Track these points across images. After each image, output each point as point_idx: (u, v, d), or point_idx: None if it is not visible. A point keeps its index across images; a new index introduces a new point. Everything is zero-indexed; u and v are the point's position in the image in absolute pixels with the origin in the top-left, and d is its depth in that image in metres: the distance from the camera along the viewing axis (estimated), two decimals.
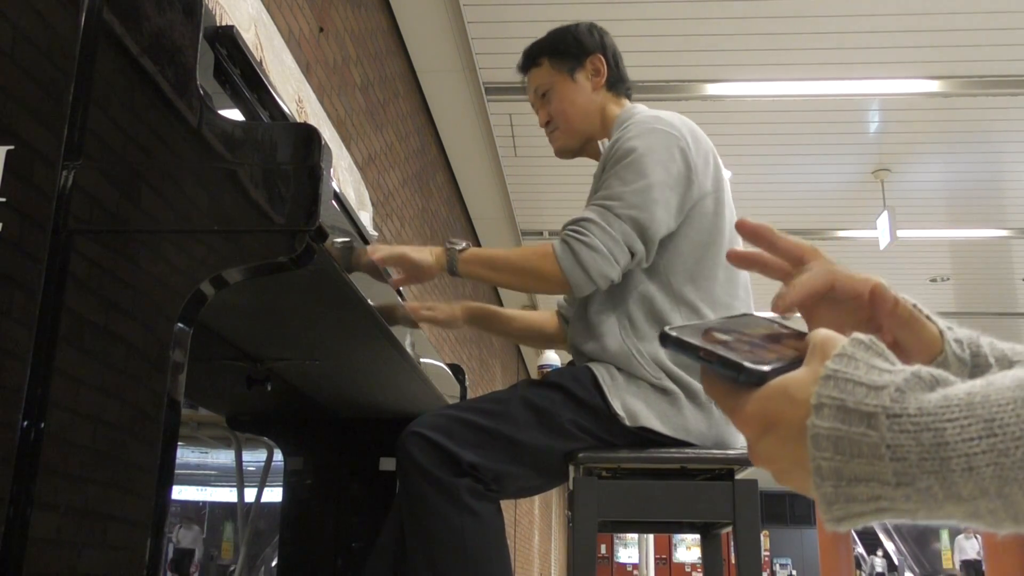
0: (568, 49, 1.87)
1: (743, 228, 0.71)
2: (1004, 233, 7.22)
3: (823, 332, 0.56)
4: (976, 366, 0.66)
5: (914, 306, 0.67)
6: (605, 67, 1.87)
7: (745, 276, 1.78)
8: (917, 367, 0.52)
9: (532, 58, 1.90)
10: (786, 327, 0.64)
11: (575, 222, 1.65)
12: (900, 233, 6.14)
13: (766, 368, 0.56)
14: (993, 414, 0.48)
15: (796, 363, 0.56)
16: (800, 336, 0.61)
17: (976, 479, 0.48)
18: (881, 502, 0.50)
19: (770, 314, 0.68)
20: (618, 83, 1.89)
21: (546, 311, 2.04)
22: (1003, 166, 6.14)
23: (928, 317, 0.67)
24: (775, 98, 5.31)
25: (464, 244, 1.69)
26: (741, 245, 1.81)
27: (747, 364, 0.56)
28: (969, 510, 0.49)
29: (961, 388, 0.50)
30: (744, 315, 0.66)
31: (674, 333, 0.59)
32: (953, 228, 7.20)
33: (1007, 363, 0.66)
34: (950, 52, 4.80)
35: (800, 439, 0.53)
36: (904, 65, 4.92)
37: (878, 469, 0.50)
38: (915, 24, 4.57)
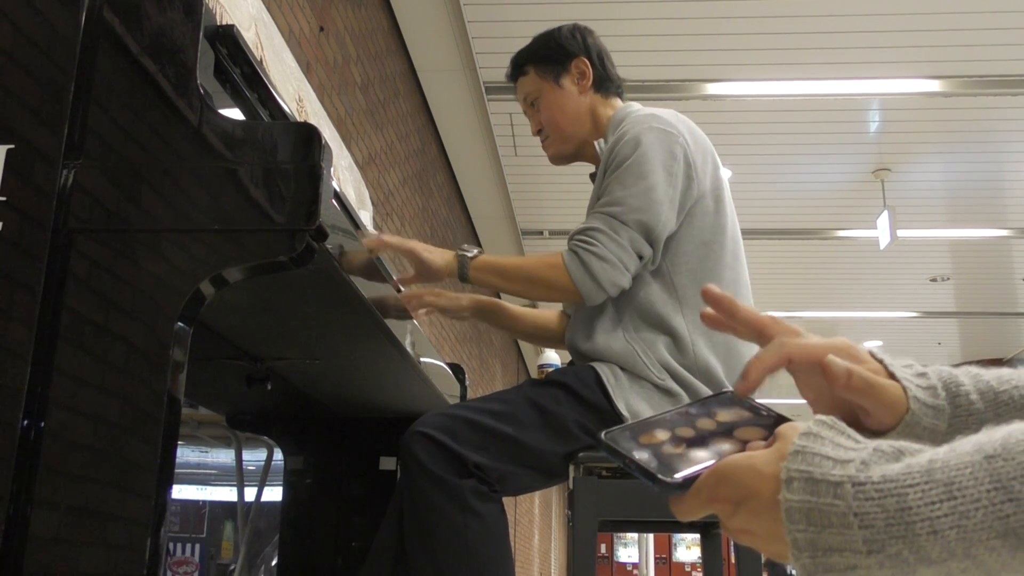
0: (551, 55, 1.86)
1: (707, 294, 0.73)
2: (1004, 233, 7.22)
3: (789, 423, 0.59)
4: (958, 407, 0.67)
5: (881, 362, 0.68)
6: (590, 69, 1.85)
7: (747, 277, 1.78)
8: (879, 442, 0.54)
9: (518, 67, 1.90)
10: (762, 410, 0.65)
11: (582, 232, 1.64)
12: (900, 233, 6.14)
13: (679, 478, 0.58)
14: (952, 478, 0.50)
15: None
16: (773, 420, 0.63)
17: (942, 542, 0.49)
18: (857, 571, 0.52)
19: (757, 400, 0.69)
20: (606, 83, 1.87)
21: (552, 310, 2.03)
22: (1003, 166, 6.14)
23: (893, 375, 0.67)
24: (775, 98, 5.31)
25: (476, 251, 1.68)
26: (742, 246, 1.81)
27: (659, 476, 0.59)
28: (942, 572, 0.51)
29: (924, 456, 0.52)
30: (722, 394, 0.67)
31: (606, 439, 0.61)
32: (953, 228, 7.19)
33: (992, 395, 0.67)
34: (950, 52, 4.80)
35: (771, 512, 0.55)
36: (904, 65, 4.92)
37: (848, 538, 0.52)
38: (915, 24, 4.57)
